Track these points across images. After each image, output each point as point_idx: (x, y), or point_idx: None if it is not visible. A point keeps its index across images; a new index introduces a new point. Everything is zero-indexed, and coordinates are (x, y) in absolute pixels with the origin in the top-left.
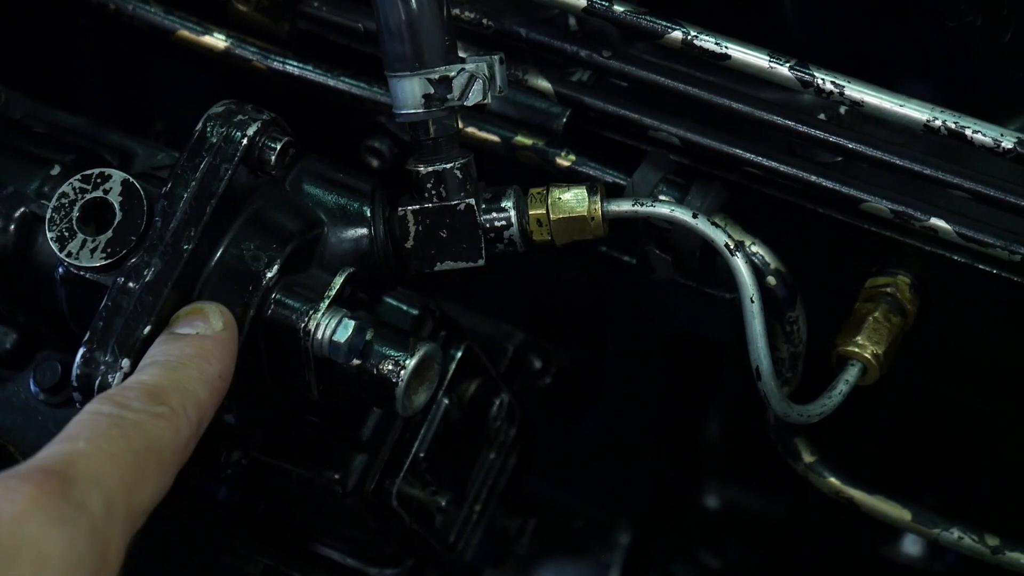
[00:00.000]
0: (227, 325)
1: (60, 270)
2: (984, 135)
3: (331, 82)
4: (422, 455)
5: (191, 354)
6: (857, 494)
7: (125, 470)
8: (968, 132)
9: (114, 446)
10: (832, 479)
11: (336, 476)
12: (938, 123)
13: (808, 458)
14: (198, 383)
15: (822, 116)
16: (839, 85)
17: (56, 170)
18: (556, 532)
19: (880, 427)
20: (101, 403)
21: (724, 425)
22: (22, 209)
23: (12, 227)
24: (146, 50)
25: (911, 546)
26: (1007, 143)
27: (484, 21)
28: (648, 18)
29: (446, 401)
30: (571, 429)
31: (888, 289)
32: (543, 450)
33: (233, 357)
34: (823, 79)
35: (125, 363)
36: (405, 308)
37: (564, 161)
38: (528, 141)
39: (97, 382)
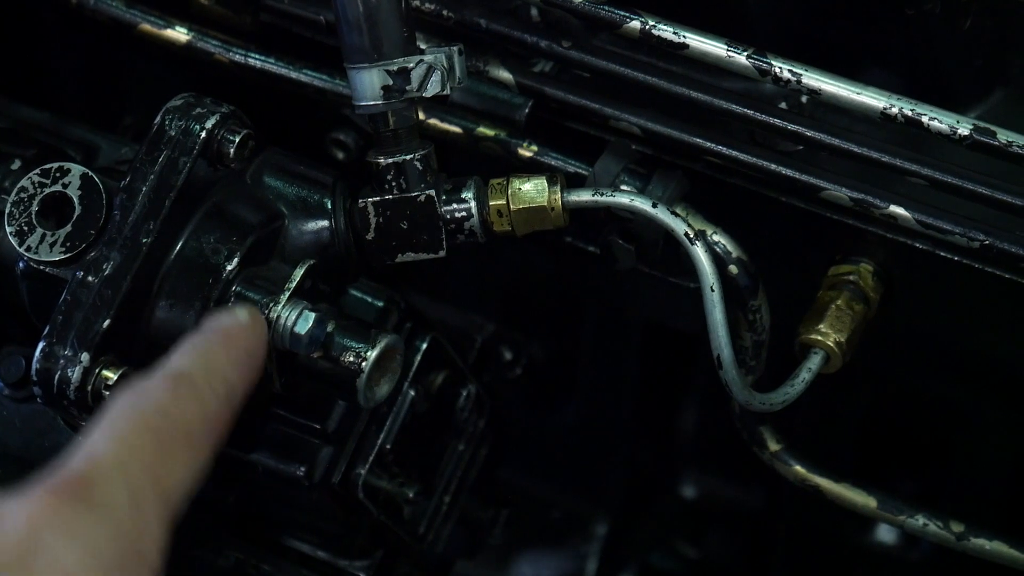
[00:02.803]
0: (253, 315)
1: (21, 264)
2: (940, 122)
3: (294, 75)
4: (388, 446)
5: (217, 339)
6: (823, 482)
7: (148, 452)
8: (925, 119)
9: (132, 433)
10: (798, 467)
11: (302, 468)
12: (895, 110)
13: (774, 446)
14: (224, 361)
15: (783, 105)
16: (796, 73)
17: (16, 165)
18: (532, 524)
19: (853, 416)
20: (121, 395)
21: (700, 414)
22: None
23: None
24: (115, 44)
25: (886, 534)
26: (963, 130)
27: (444, 12)
28: (606, 8)
29: (412, 392)
30: (547, 420)
31: (851, 277)
32: (518, 441)
33: (263, 341)
34: (780, 67)
35: (84, 357)
36: (370, 300)
37: (526, 152)
38: (490, 132)
39: (57, 376)
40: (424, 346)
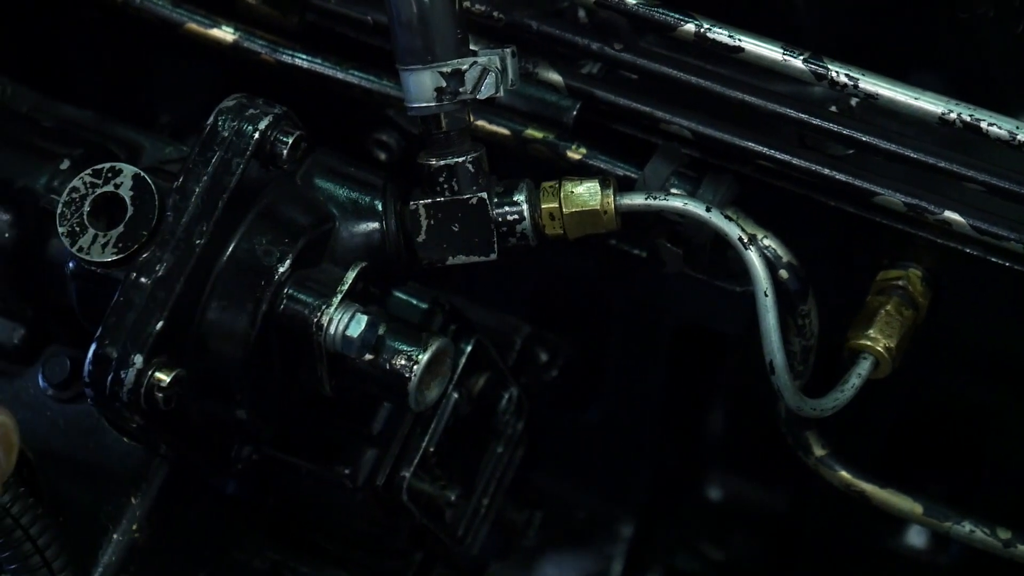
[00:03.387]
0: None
1: (71, 265)
2: (1000, 128)
3: (340, 75)
4: (432, 449)
5: None
6: (869, 488)
7: None
8: (983, 125)
9: None
10: (844, 473)
11: (346, 471)
12: (953, 116)
13: (819, 452)
14: None
15: (833, 108)
16: (853, 78)
17: (65, 164)
18: (559, 524)
19: (887, 417)
20: None
21: (727, 416)
22: (32, 204)
23: (23, 222)
24: (150, 42)
25: (915, 537)
26: (1023, 136)
27: (495, 14)
28: (660, 11)
29: (455, 395)
30: (574, 420)
31: (900, 282)
32: (547, 442)
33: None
34: (837, 72)
35: (138, 359)
36: (415, 302)
37: (575, 154)
38: (539, 134)
39: (110, 378)
40: (469, 349)
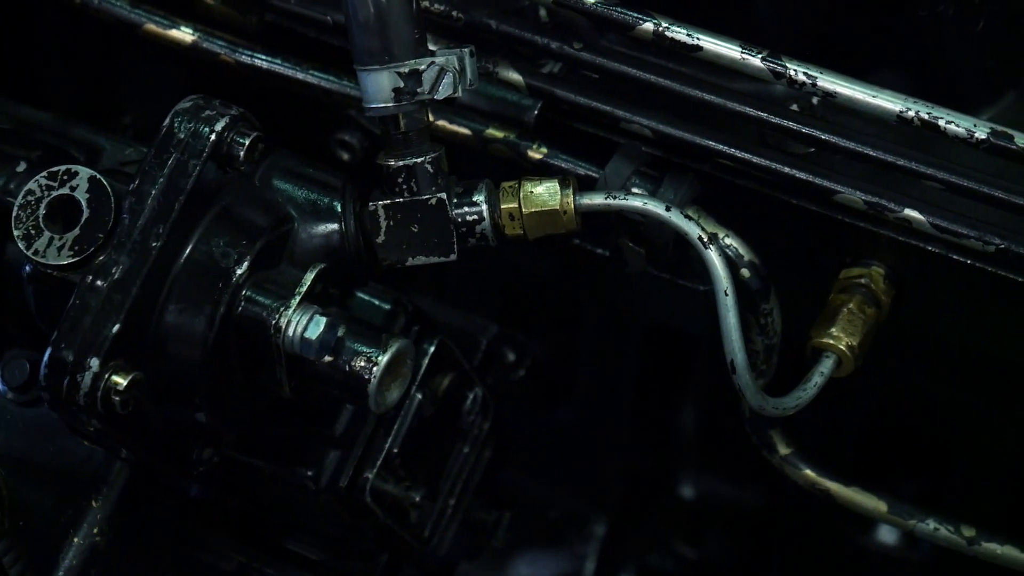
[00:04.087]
0: None
1: (27, 268)
2: (957, 126)
3: (300, 75)
4: (396, 450)
5: None
6: (833, 486)
7: None
8: (941, 123)
9: None
10: (808, 471)
11: (309, 472)
12: (911, 114)
13: (783, 450)
14: None
15: (794, 107)
16: (811, 76)
17: (22, 167)
18: (531, 524)
19: (855, 417)
20: None
21: (699, 415)
22: None
23: None
24: (113, 43)
25: (887, 535)
26: (980, 134)
27: (454, 13)
28: (619, 10)
29: (419, 396)
30: (545, 420)
31: (862, 280)
32: (517, 442)
33: None
34: (795, 70)
35: (94, 362)
36: (377, 303)
37: (536, 154)
38: (499, 134)
39: (66, 382)
40: (432, 349)
